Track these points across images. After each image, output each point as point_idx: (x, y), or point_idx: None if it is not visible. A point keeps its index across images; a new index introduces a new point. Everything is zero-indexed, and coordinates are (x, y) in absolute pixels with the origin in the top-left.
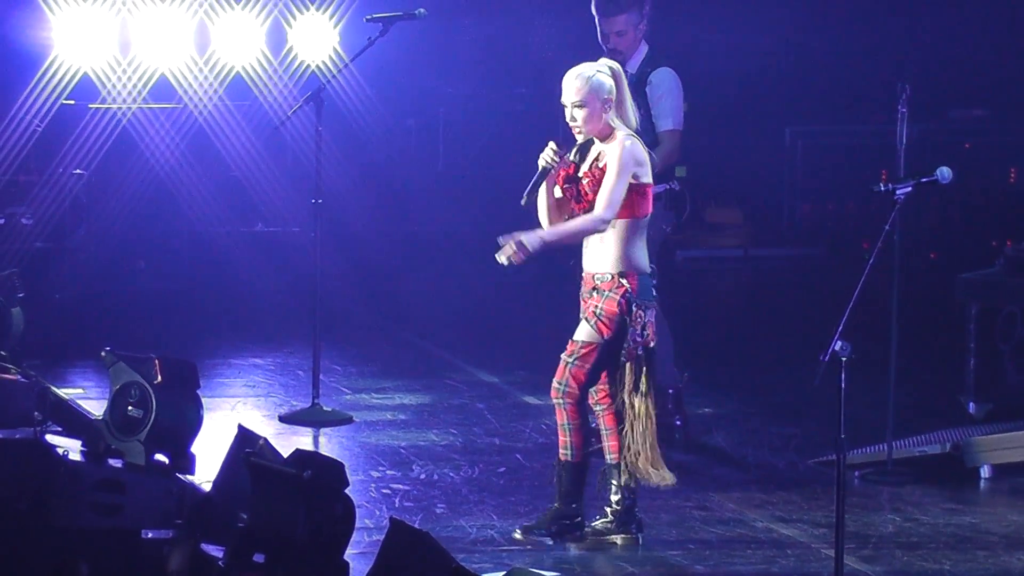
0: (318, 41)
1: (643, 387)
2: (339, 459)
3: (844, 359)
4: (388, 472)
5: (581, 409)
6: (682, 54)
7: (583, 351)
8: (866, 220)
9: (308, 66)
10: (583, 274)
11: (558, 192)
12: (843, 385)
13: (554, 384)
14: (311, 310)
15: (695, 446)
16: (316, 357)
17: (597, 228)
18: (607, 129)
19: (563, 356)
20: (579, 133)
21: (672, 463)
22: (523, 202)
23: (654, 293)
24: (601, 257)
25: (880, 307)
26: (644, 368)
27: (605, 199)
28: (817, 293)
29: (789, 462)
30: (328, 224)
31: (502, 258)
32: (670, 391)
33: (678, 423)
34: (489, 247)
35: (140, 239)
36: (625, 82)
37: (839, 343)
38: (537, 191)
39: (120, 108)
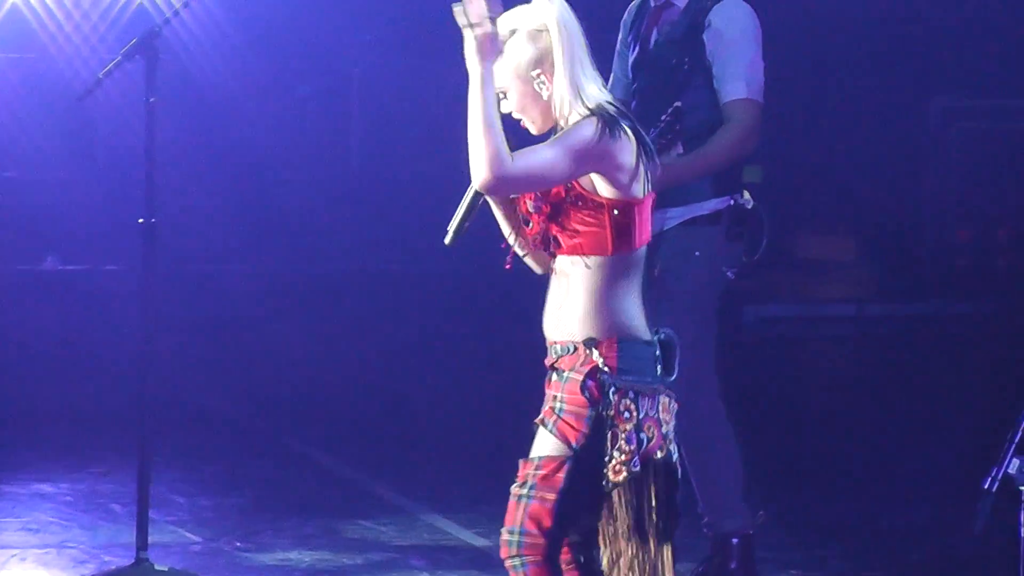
0: None
1: (653, 529)
2: None
3: None
4: None
5: (552, 571)
6: None
7: (542, 473)
8: None
9: None
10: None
11: None
12: (1023, 531)
13: (503, 535)
14: (136, 401)
15: None
16: (144, 481)
17: (491, 169)
18: (554, 113)
19: (513, 489)
20: (527, 127)
21: None
22: (449, 240)
23: (658, 369)
24: (562, 316)
25: None
26: (653, 495)
27: (525, 152)
28: (978, 377)
29: None
30: (167, 259)
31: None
32: (733, 540)
33: None
34: (434, 291)
35: None
36: (568, 28)
37: (1015, 461)
38: (472, 215)
39: None
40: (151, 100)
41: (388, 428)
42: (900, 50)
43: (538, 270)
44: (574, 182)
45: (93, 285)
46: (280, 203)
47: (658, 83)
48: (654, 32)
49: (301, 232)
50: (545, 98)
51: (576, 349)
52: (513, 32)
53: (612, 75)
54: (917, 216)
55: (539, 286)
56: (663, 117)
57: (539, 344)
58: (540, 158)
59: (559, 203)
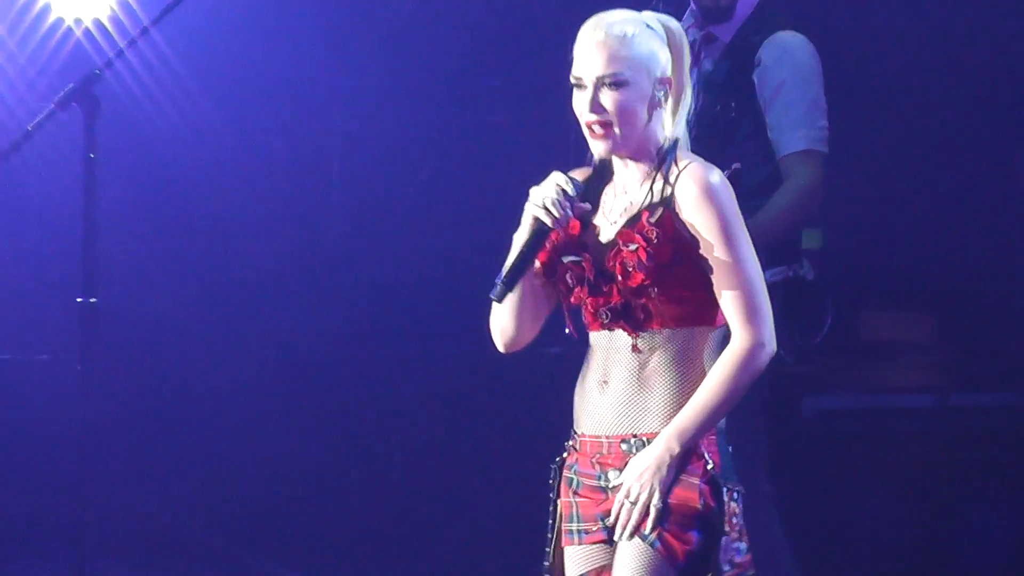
0: None
1: None
2: None
3: None
4: None
5: None
6: (818, 15)
7: None
8: None
9: (69, 30)
10: (583, 437)
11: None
12: None
13: None
14: (75, 513)
15: None
16: None
17: (758, 369)
18: (651, 143)
19: None
20: (601, 141)
21: None
22: (496, 294)
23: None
24: (644, 403)
25: None
26: None
27: (748, 303)
28: None
29: None
30: (111, 347)
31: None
32: None
33: None
34: (426, 378)
35: None
36: (688, 58)
37: None
38: (526, 272)
39: None
40: (91, 156)
41: (369, 541)
42: (986, 92)
43: (502, 345)
44: (683, 238)
45: (20, 378)
46: (247, 278)
47: (700, 134)
48: (693, 72)
49: (272, 312)
50: (651, 119)
51: None
52: (649, 25)
53: None
54: (1010, 289)
55: (541, 374)
56: None
57: (537, 440)
58: (754, 280)
59: (667, 264)
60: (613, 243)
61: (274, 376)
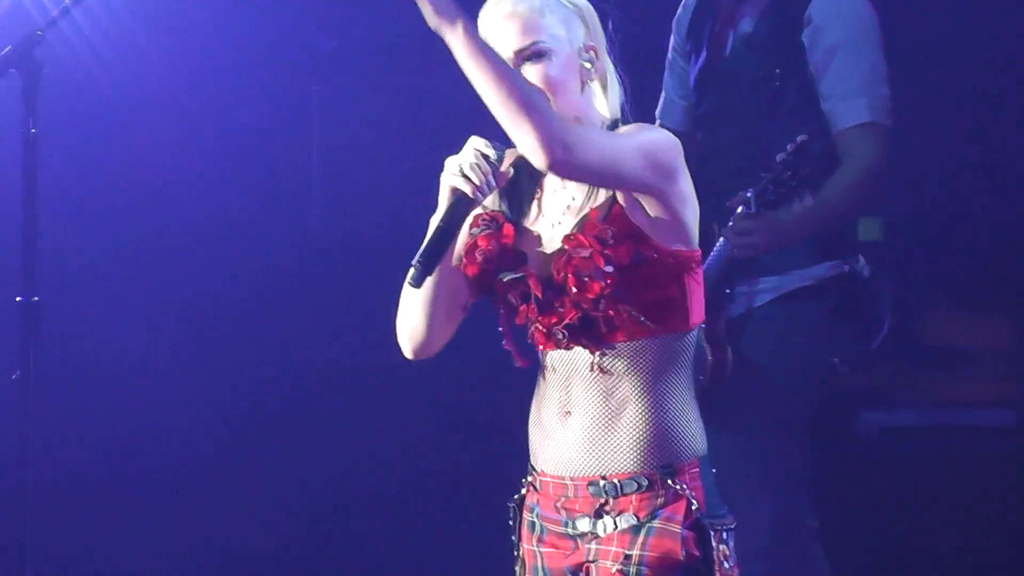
0: None
1: None
2: None
3: None
4: None
5: None
6: None
7: None
8: None
9: None
10: (543, 476)
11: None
12: None
13: None
14: (13, 549)
15: None
16: None
17: (550, 142)
18: (588, 123)
19: None
20: None
21: None
22: (413, 278)
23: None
24: (616, 438)
25: None
26: None
27: (593, 129)
28: None
29: None
30: (55, 353)
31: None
32: None
33: None
34: (423, 387)
35: None
36: (603, 37)
37: None
38: (445, 251)
39: None
40: (31, 131)
41: (352, 560)
42: None
43: (411, 350)
44: (639, 231)
45: None
46: (213, 273)
47: (737, 105)
48: (729, 34)
49: (242, 312)
50: (583, 93)
51: (655, 483)
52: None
53: (663, 95)
54: None
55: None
56: (780, 157)
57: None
58: (615, 143)
59: (628, 266)
60: (560, 250)
61: (242, 386)
